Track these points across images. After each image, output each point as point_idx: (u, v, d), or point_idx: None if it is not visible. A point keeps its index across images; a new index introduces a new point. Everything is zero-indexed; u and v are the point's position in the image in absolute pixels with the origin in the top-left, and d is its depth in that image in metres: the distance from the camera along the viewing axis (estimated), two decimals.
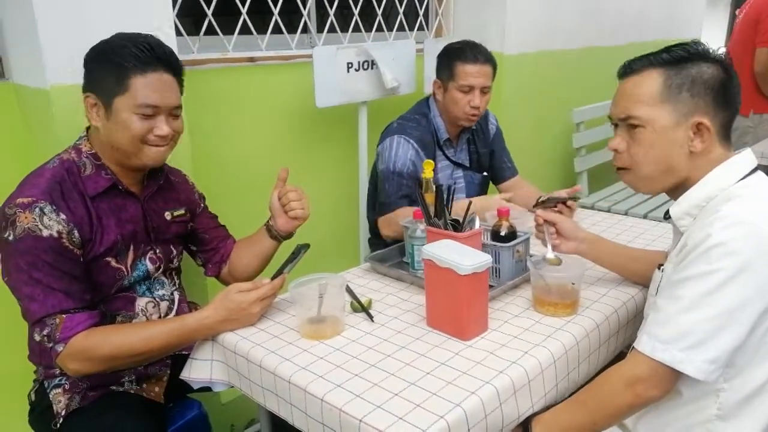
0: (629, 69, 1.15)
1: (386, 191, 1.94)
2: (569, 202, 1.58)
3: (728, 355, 0.99)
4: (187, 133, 1.81)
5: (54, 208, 1.20)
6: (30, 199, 1.19)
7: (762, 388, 1.04)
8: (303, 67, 2.19)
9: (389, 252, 1.69)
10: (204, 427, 1.53)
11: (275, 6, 2.20)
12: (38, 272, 1.19)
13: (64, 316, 1.20)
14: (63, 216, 1.20)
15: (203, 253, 1.57)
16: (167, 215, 1.44)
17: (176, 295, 1.48)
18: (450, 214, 1.45)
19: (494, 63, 1.98)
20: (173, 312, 1.46)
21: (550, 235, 1.41)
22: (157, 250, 1.41)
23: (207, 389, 1.36)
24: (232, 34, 2.10)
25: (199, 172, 1.83)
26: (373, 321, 1.31)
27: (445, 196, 1.44)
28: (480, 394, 1.03)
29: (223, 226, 1.62)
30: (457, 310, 1.21)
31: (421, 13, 2.78)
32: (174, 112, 1.31)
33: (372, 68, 2.28)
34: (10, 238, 1.17)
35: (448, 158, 2.09)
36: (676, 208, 1.13)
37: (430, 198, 1.49)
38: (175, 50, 1.70)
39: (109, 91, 1.23)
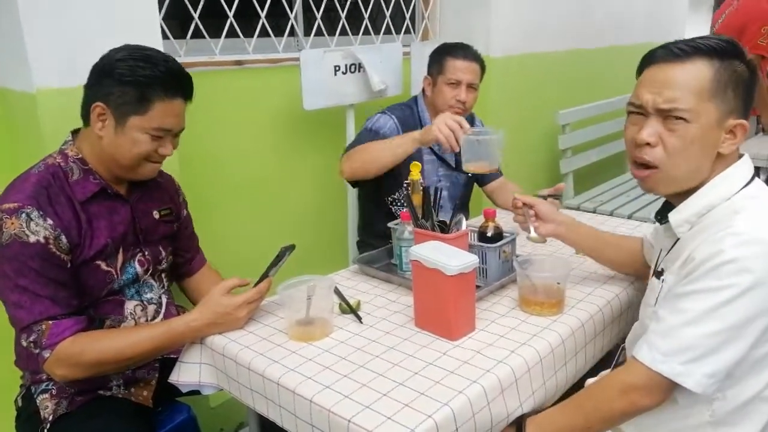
0: (674, 54, 1.03)
1: (355, 141, 1.98)
2: (549, 200, 1.60)
3: (728, 369, 0.98)
4: None
5: (41, 213, 1.19)
6: (16, 204, 1.18)
7: (755, 398, 1.04)
8: (290, 70, 2.19)
9: (377, 254, 1.69)
10: (193, 430, 1.52)
11: (262, 9, 2.20)
12: (24, 279, 1.18)
13: (50, 322, 1.20)
14: (50, 221, 1.20)
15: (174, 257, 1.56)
16: (155, 214, 1.44)
17: (164, 299, 1.48)
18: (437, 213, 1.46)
19: (483, 64, 2.05)
20: (160, 315, 1.45)
21: (530, 217, 1.42)
22: (146, 252, 1.41)
23: (196, 393, 1.36)
24: (219, 37, 2.10)
25: (186, 176, 1.83)
26: (361, 322, 1.32)
27: (432, 197, 1.45)
28: (467, 393, 1.04)
29: (197, 239, 1.63)
30: (444, 311, 1.22)
31: (407, 16, 2.80)
32: (179, 133, 1.34)
33: (359, 71, 2.29)
34: None
35: (434, 152, 2.10)
36: (677, 216, 1.09)
37: (417, 199, 1.50)
38: None
39: (126, 108, 1.24)
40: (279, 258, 1.34)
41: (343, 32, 2.51)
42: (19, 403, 1.38)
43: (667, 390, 1.01)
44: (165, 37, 1.86)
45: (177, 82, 1.28)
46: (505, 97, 3.04)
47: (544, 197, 1.58)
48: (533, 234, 1.41)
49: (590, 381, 1.29)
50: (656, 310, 1.08)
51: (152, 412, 1.43)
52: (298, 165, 2.37)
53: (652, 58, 1.07)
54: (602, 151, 3.64)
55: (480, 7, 2.87)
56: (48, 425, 1.29)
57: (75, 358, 1.21)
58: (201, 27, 2.05)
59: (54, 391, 1.32)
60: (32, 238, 1.17)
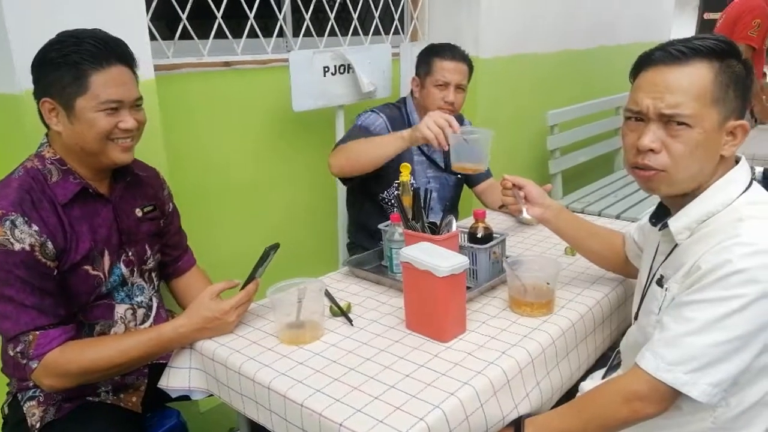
0: (672, 56, 1.00)
1: (345, 137, 1.96)
2: None
3: (733, 379, 0.98)
4: (162, 137, 1.79)
5: (26, 219, 1.17)
6: (0, 211, 1.17)
7: (757, 404, 1.03)
8: (279, 71, 2.18)
9: (368, 256, 1.69)
10: None
11: (251, 10, 2.19)
12: (10, 289, 1.16)
13: (37, 332, 1.18)
14: (35, 227, 1.18)
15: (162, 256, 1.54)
16: (138, 212, 1.41)
17: (154, 301, 1.46)
18: (427, 216, 1.46)
19: (471, 64, 2.05)
20: (150, 319, 1.44)
21: (520, 198, 1.43)
22: (130, 252, 1.39)
23: (185, 398, 1.35)
24: (208, 38, 2.09)
25: (175, 177, 1.82)
26: (352, 325, 1.31)
27: (422, 199, 1.45)
28: (459, 396, 1.04)
29: (185, 237, 1.60)
30: (435, 312, 1.22)
31: (396, 17, 2.80)
32: (136, 103, 1.29)
33: (348, 72, 2.29)
34: None
35: (423, 153, 2.11)
36: (677, 223, 1.07)
37: (407, 201, 1.50)
38: (150, 55, 1.71)
39: (68, 93, 1.20)
40: (264, 258, 1.33)
41: (332, 33, 2.51)
42: (6, 411, 1.36)
43: (671, 399, 1.00)
44: (152, 38, 1.85)
45: (105, 49, 1.22)
46: (494, 98, 3.05)
47: None
48: (525, 215, 1.41)
49: (585, 384, 1.29)
50: (660, 318, 1.06)
51: (141, 418, 1.42)
52: (287, 166, 2.36)
53: (649, 61, 1.03)
54: (591, 152, 3.67)
55: (469, 8, 2.88)
56: None
57: (63, 368, 1.19)
58: (189, 28, 2.03)
59: (41, 398, 1.31)
60: (17, 246, 1.15)
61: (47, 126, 1.27)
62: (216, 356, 1.23)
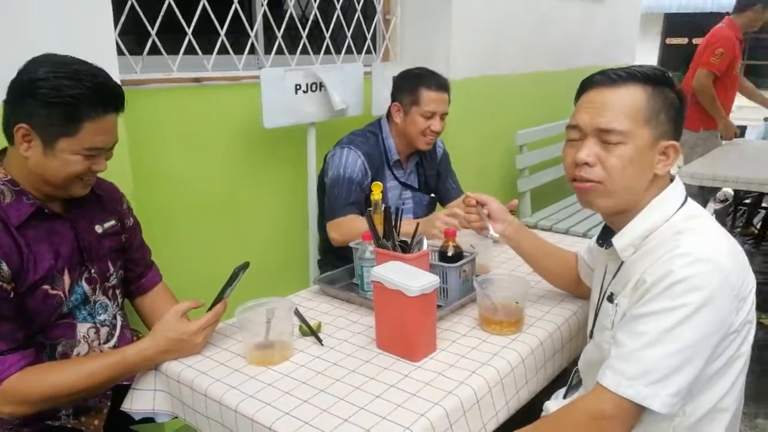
0: (611, 79, 1.10)
1: (336, 196, 1.97)
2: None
3: (689, 387, 1.01)
4: (128, 154, 1.76)
5: None
6: None
7: (712, 410, 1.07)
8: (250, 88, 2.17)
9: (339, 273, 1.68)
10: None
11: (222, 26, 2.18)
12: None
13: None
14: None
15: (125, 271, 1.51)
16: (98, 229, 1.38)
17: (119, 320, 1.42)
18: (399, 235, 1.47)
19: (449, 90, 2.09)
20: (114, 338, 1.40)
21: (484, 216, 1.46)
22: (92, 270, 1.35)
23: (150, 420, 1.31)
24: (177, 53, 2.07)
25: (141, 195, 1.78)
26: (322, 344, 1.30)
27: (393, 217, 1.45)
28: (429, 416, 1.03)
29: (148, 251, 1.57)
30: (406, 332, 1.21)
31: (368, 36, 2.82)
32: (112, 147, 1.28)
33: (320, 90, 2.29)
34: None
35: (396, 179, 2.12)
36: (621, 240, 1.13)
37: (378, 219, 1.50)
38: (117, 70, 1.69)
39: (54, 130, 1.17)
40: (233, 278, 1.31)
41: (304, 51, 2.52)
42: None
43: (636, 415, 1.02)
44: (120, 52, 1.82)
45: (107, 99, 1.21)
46: (465, 119, 3.09)
47: None
48: (493, 233, 1.43)
49: (549, 404, 1.30)
50: (614, 334, 1.09)
51: None
52: (257, 184, 2.34)
53: (590, 83, 1.13)
54: (558, 171, 3.74)
55: (440, 29, 2.93)
56: None
57: (22, 395, 1.15)
58: (158, 43, 2.01)
59: None
60: None
61: (10, 143, 1.23)
62: (182, 378, 1.20)
